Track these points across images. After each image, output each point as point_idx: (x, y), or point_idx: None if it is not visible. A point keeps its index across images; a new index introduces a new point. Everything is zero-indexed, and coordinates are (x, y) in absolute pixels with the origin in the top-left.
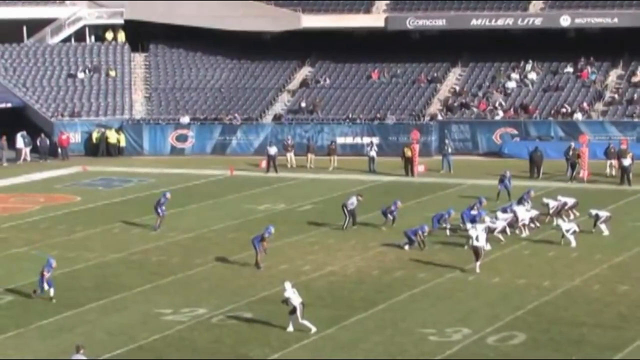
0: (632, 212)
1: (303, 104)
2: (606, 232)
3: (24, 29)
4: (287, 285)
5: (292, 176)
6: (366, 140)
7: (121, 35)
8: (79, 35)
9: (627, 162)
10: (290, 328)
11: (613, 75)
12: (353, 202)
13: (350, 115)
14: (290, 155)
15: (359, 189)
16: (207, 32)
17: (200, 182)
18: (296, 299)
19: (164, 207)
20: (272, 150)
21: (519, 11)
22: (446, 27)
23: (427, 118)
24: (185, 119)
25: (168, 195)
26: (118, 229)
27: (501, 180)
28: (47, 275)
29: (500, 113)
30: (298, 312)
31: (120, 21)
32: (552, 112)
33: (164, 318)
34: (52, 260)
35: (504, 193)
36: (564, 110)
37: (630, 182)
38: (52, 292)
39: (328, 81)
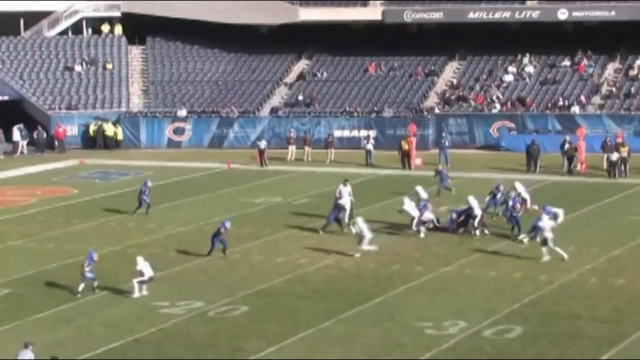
0: (628, 205)
1: (300, 97)
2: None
3: (21, 21)
4: (140, 259)
5: (289, 169)
6: (363, 133)
7: (118, 28)
8: (76, 28)
9: (614, 157)
10: (137, 294)
11: (610, 68)
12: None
13: (347, 109)
14: (292, 148)
15: (356, 182)
16: (205, 25)
17: (198, 175)
18: (148, 272)
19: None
20: (262, 144)
21: (516, 4)
22: (443, 20)
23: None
24: (183, 112)
25: (149, 183)
26: (115, 221)
27: (493, 196)
28: (87, 268)
29: (498, 106)
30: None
31: (118, 14)
32: (550, 105)
33: (161, 311)
34: (94, 254)
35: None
36: (561, 103)
37: (616, 175)
38: (81, 287)
39: (325, 74)
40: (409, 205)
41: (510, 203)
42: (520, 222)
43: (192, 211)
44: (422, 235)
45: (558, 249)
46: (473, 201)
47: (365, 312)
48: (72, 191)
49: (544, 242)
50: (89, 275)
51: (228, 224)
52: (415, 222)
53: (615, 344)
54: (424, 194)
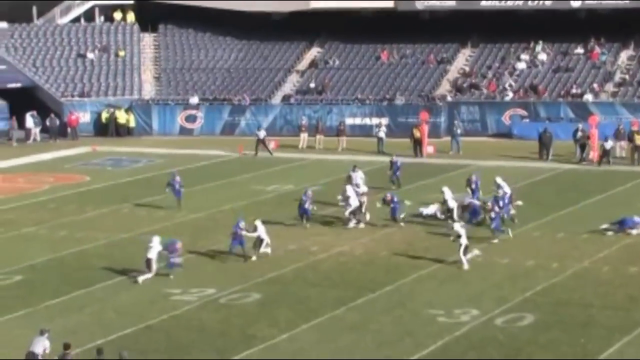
0: None
1: (312, 85)
2: (466, 266)
3: (34, 8)
4: (155, 240)
5: (301, 157)
6: (375, 121)
7: (130, 16)
8: (89, 15)
9: (608, 145)
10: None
11: (623, 56)
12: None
13: (359, 96)
14: (304, 135)
15: (368, 170)
16: (217, 12)
17: (209, 162)
18: (152, 255)
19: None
20: (262, 133)
21: None
22: (456, 8)
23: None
24: (195, 100)
25: (177, 177)
26: (127, 209)
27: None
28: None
29: (510, 94)
30: (152, 265)
31: (130, 1)
32: (562, 93)
33: (173, 298)
34: (178, 242)
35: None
36: (574, 91)
37: (610, 162)
38: (172, 275)
39: (337, 62)
40: (352, 193)
41: (500, 202)
42: (497, 220)
43: (204, 199)
44: (351, 225)
45: (464, 257)
46: (447, 192)
47: (376, 299)
48: (84, 178)
49: (465, 249)
50: (176, 261)
51: (242, 224)
52: (348, 211)
53: (627, 332)
54: (363, 188)
